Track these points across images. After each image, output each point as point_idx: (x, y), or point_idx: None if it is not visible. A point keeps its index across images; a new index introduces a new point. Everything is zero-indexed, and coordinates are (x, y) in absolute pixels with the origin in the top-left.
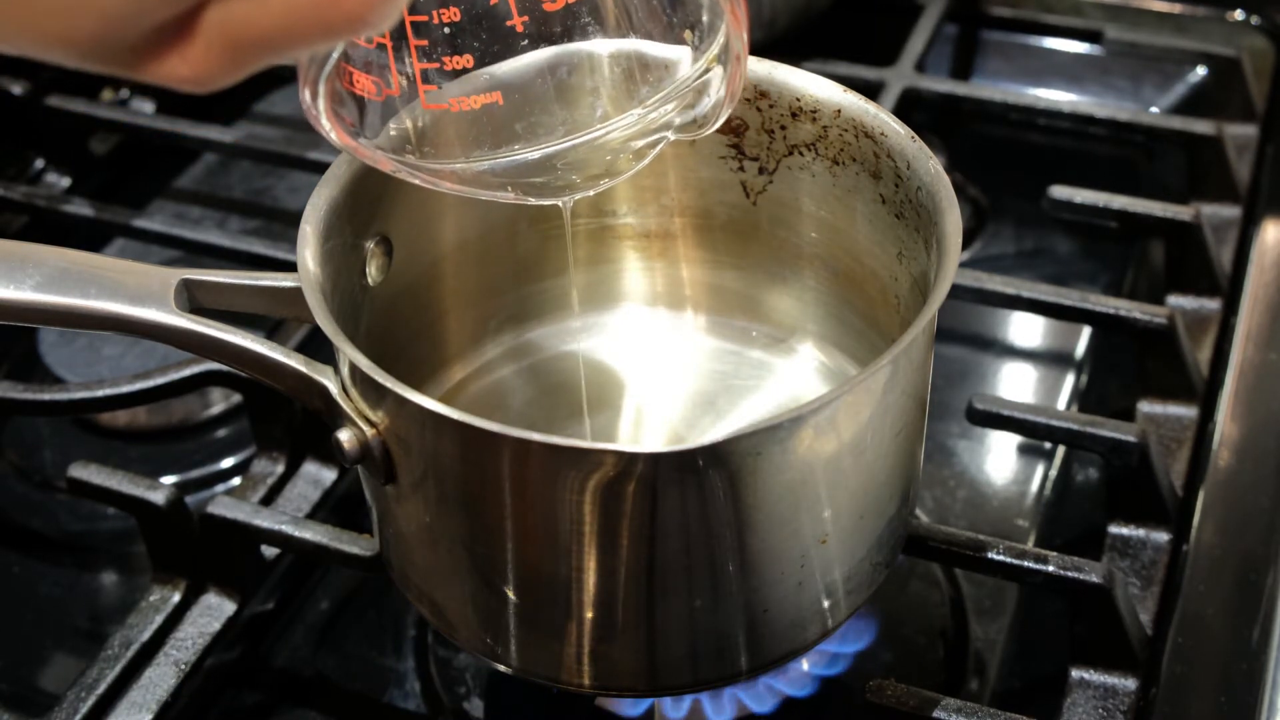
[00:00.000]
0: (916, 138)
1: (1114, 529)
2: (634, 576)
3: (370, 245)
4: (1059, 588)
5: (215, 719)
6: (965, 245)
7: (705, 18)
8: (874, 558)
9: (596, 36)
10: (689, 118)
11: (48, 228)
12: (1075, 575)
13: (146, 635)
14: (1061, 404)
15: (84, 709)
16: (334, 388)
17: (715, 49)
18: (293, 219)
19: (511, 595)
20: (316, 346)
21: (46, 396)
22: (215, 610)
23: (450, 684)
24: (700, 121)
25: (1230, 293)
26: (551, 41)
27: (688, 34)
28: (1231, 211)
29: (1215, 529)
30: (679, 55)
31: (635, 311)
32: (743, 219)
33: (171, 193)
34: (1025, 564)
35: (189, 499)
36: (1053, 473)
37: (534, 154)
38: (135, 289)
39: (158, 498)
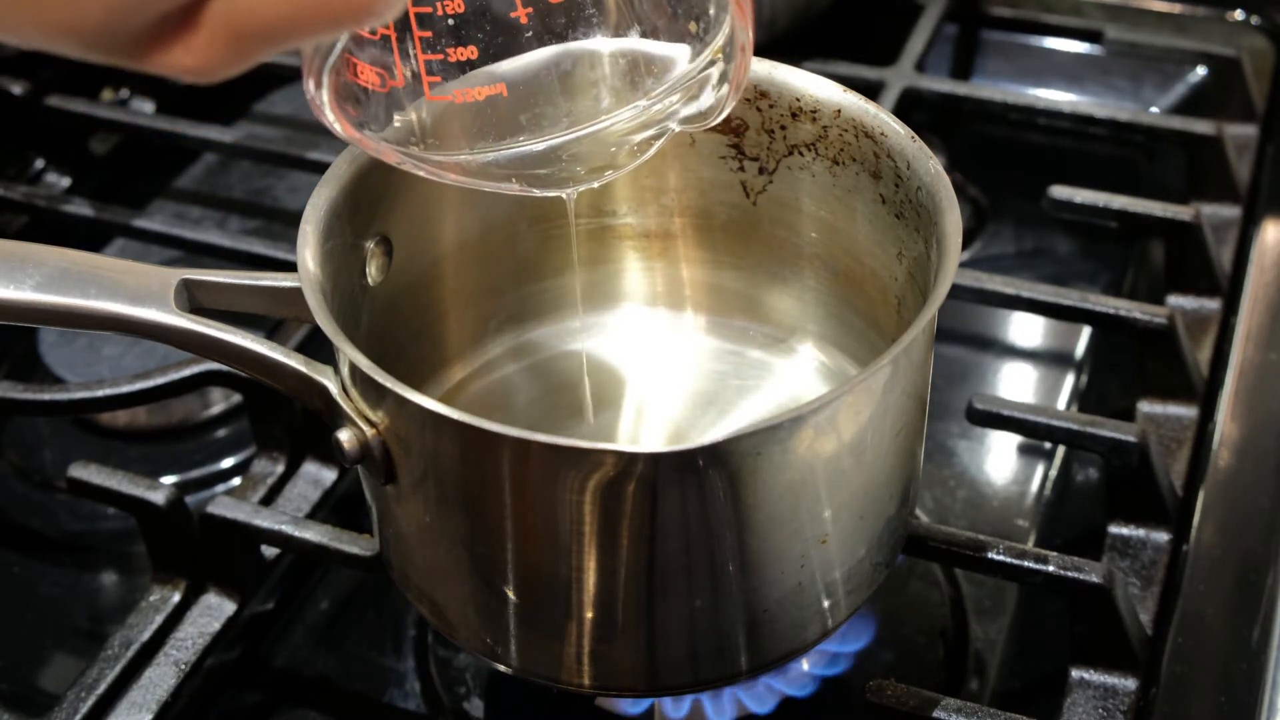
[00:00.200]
0: (916, 138)
1: (1114, 529)
2: (634, 576)
3: (370, 245)
4: (1059, 588)
5: (215, 719)
6: (965, 245)
7: (710, 9)
8: (874, 558)
9: (601, 27)
10: (693, 109)
11: (48, 228)
12: (1075, 575)
13: (146, 635)
14: (1061, 404)
15: (84, 709)
16: (334, 388)
17: (720, 40)
18: (293, 219)
19: (511, 595)
20: (316, 346)
21: (46, 396)
22: (215, 610)
23: (450, 684)
24: (705, 113)
25: (1230, 293)
26: (555, 33)
27: (692, 25)
28: (1231, 211)
29: (1215, 529)
30: (680, 54)
31: (635, 311)
32: (743, 219)
33: (171, 193)
34: (1025, 564)
35: (189, 499)
36: (1053, 473)
37: (538, 146)
38: (135, 289)
39: (158, 498)
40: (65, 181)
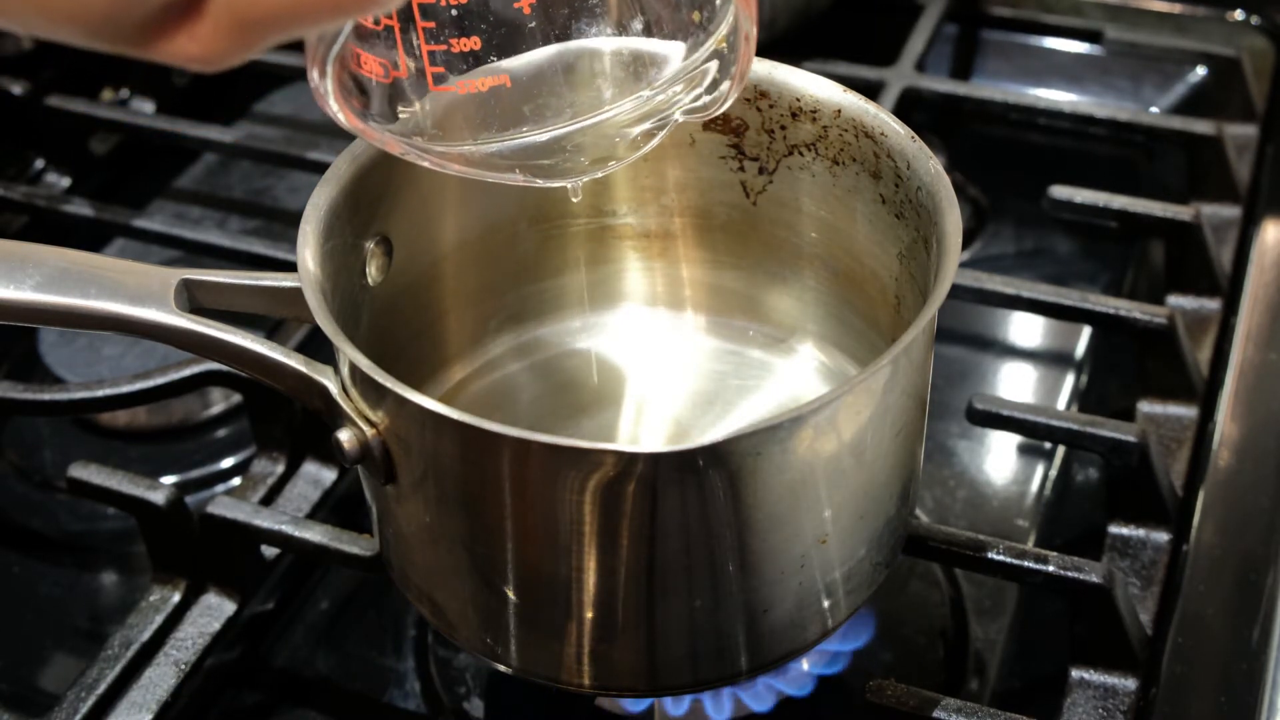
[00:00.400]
0: (916, 138)
1: (1114, 529)
2: (634, 576)
3: (370, 245)
4: (1059, 588)
5: (215, 719)
6: (965, 245)
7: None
8: (874, 558)
9: (604, 18)
10: (696, 100)
11: (48, 228)
12: (1075, 575)
13: (146, 635)
14: (1061, 404)
15: (84, 709)
16: (334, 388)
17: (723, 30)
18: (293, 219)
19: (511, 595)
20: (316, 346)
21: (46, 396)
22: (215, 610)
23: (450, 684)
24: (708, 104)
25: (1230, 293)
26: (559, 24)
27: (695, 15)
28: (1231, 211)
29: (1215, 529)
30: (682, 45)
31: (635, 311)
32: (743, 219)
33: (171, 193)
34: (1025, 564)
35: (189, 499)
36: (1053, 473)
37: (542, 136)
38: (135, 289)
39: (158, 498)
40: (65, 181)
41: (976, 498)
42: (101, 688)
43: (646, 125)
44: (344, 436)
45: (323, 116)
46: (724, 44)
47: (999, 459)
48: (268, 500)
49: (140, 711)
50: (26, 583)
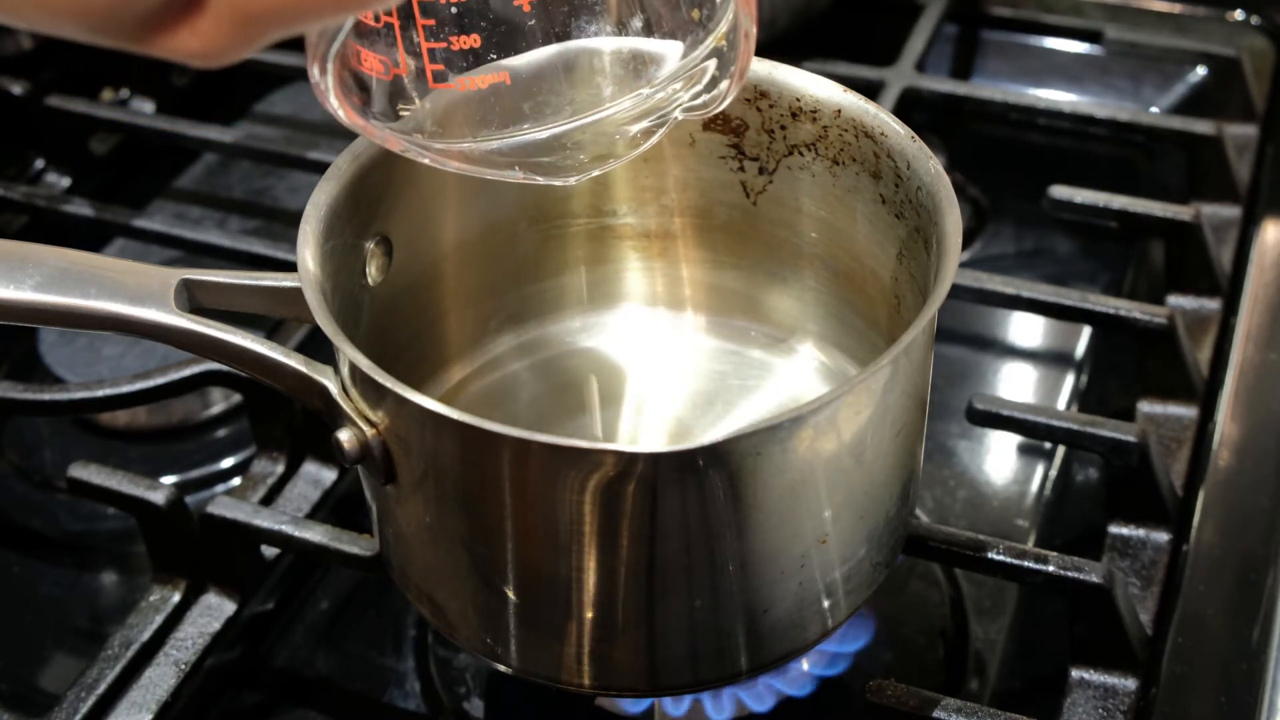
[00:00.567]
0: (916, 138)
1: (1114, 529)
2: (634, 576)
3: (370, 245)
4: (1059, 588)
5: (215, 719)
6: (965, 245)
7: None
8: (874, 558)
9: (604, 15)
10: (696, 98)
11: (48, 228)
12: (1075, 575)
13: (146, 635)
14: (1061, 404)
15: (84, 709)
16: (334, 388)
17: (723, 27)
18: (293, 219)
19: (511, 595)
20: (316, 346)
21: (46, 396)
22: (215, 610)
23: (450, 684)
24: (707, 102)
25: (1230, 293)
26: (559, 21)
27: (695, 13)
28: (1231, 211)
29: (1215, 529)
30: (683, 42)
31: (635, 311)
32: (743, 219)
33: (171, 193)
34: (1025, 564)
35: (189, 499)
36: (1053, 473)
37: (542, 134)
38: (135, 289)
39: (158, 498)
40: (65, 181)
41: (976, 498)
42: (101, 688)
43: (646, 123)
44: (344, 436)
45: (323, 116)
46: (723, 41)
47: (999, 459)
48: (268, 500)
49: (140, 711)
50: (26, 583)
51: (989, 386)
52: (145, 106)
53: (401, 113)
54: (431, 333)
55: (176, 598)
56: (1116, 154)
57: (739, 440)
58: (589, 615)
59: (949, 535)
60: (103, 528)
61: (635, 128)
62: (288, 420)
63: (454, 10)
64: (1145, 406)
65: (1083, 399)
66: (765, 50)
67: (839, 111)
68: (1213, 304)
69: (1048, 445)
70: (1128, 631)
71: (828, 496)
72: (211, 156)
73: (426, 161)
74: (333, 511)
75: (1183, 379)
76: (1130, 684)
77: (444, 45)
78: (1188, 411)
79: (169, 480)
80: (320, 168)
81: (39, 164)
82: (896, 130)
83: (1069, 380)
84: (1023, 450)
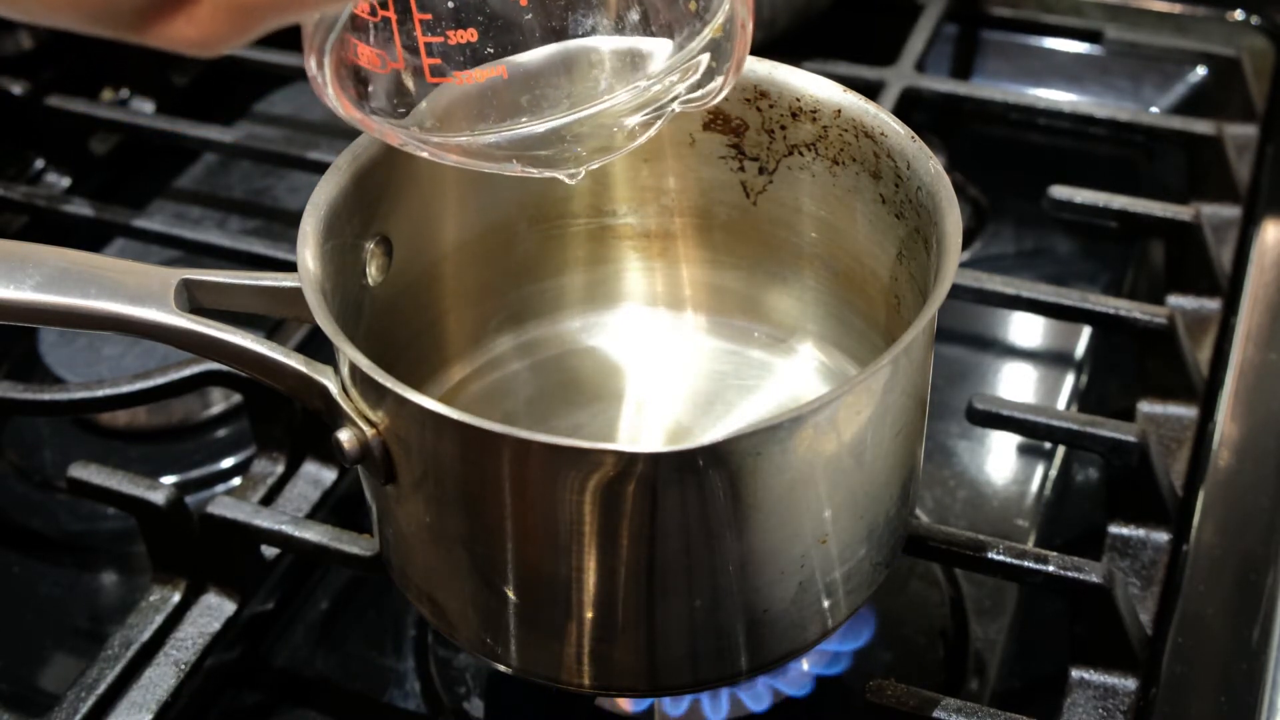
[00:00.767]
0: (916, 138)
1: (1114, 529)
2: (634, 576)
3: (370, 245)
4: (1059, 588)
5: (215, 719)
6: (965, 245)
7: None
8: (874, 558)
9: (600, 7)
10: (693, 89)
11: (48, 228)
12: (1075, 575)
13: (146, 635)
14: (1061, 404)
15: (84, 709)
16: (334, 388)
17: (719, 18)
18: (293, 219)
19: (511, 595)
20: (316, 346)
21: (46, 396)
22: (215, 610)
23: (450, 684)
24: (705, 93)
25: (1230, 293)
26: (555, 14)
27: (692, 3)
28: (1231, 211)
29: (1215, 529)
30: (680, 35)
31: (635, 311)
32: (743, 219)
33: (171, 193)
34: (1025, 564)
35: (189, 499)
36: (1053, 473)
37: (540, 127)
38: (135, 289)
39: (158, 498)
40: (65, 181)
41: (976, 498)
42: (101, 688)
43: (643, 115)
44: (344, 436)
45: (323, 116)
46: (720, 33)
47: (999, 459)
48: (268, 500)
49: (140, 711)
50: (26, 583)
51: (989, 386)
52: (145, 106)
53: (399, 107)
54: (431, 333)
55: (176, 598)
56: (1116, 154)
57: (739, 440)
58: (589, 615)
59: (949, 535)
60: (103, 528)
61: (633, 120)
62: (288, 420)
63: (450, 4)
64: (1145, 406)
65: (1083, 399)
66: (765, 50)
67: (839, 111)
68: (1213, 304)
69: (1048, 445)
70: (1128, 631)
71: (828, 496)
72: (211, 156)
73: (425, 155)
74: (333, 511)
75: (1183, 379)
76: (1130, 684)
77: (441, 40)
78: (1188, 411)
79: (169, 480)
80: (320, 168)
81: (39, 164)
82: (896, 130)
83: (1069, 380)
84: (1023, 450)
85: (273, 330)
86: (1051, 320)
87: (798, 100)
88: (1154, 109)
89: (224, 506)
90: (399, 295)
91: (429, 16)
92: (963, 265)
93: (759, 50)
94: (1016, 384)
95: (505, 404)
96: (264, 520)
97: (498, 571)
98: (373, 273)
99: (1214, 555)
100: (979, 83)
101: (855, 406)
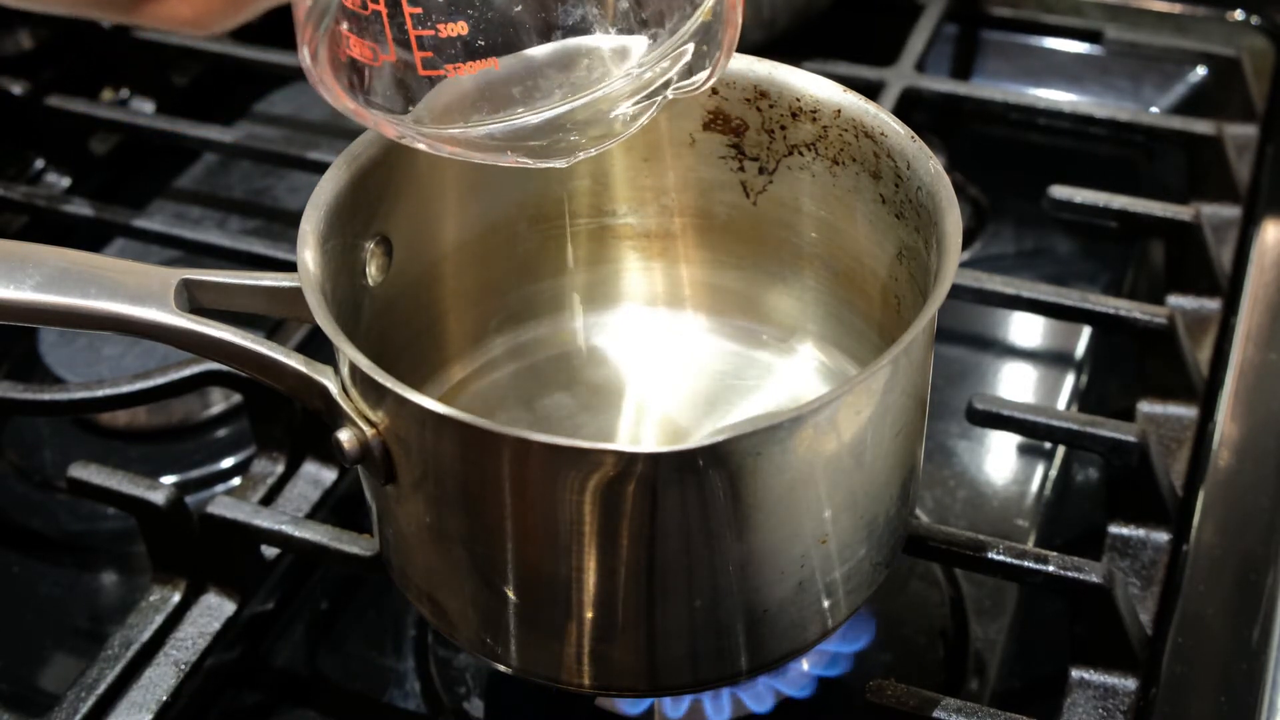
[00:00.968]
0: (916, 138)
1: (1114, 529)
2: (634, 576)
3: (370, 245)
4: (1059, 588)
5: (215, 719)
6: (965, 245)
7: None
8: (874, 558)
9: None
10: (685, 73)
11: (48, 228)
12: (1075, 575)
13: (146, 635)
14: (1061, 404)
15: (84, 709)
16: (334, 388)
17: (709, 1)
18: (293, 219)
19: (511, 595)
20: (316, 346)
21: (46, 396)
22: (215, 610)
23: (450, 684)
24: (698, 78)
25: (1230, 293)
26: (546, 5)
27: None
28: (1231, 211)
29: (1215, 529)
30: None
31: (635, 311)
32: (743, 219)
33: (171, 193)
34: (1025, 564)
35: (189, 499)
36: (1053, 473)
37: (535, 118)
38: (135, 289)
39: (158, 498)
40: (65, 181)
41: (976, 498)
42: (101, 688)
43: (637, 103)
44: (344, 436)
45: (323, 116)
46: (710, 16)
47: (999, 459)
48: (268, 500)
49: (140, 711)
50: (26, 583)
51: (989, 386)
52: (145, 106)
53: (394, 100)
54: (431, 333)
55: (176, 598)
56: (1116, 154)
57: (739, 440)
58: (589, 615)
59: (949, 535)
60: (103, 528)
61: (627, 108)
62: (288, 420)
63: None
64: (1145, 406)
65: (1083, 399)
66: (765, 50)
67: (839, 111)
68: (1213, 304)
69: (1048, 445)
70: (1128, 631)
71: (828, 496)
72: (211, 156)
73: (421, 147)
74: (333, 511)
75: (1183, 379)
76: (1130, 684)
77: (432, 33)
78: (1188, 411)
79: (169, 480)
80: (320, 168)
81: (39, 164)
82: (896, 130)
83: (1069, 380)
84: (1023, 450)
85: (273, 330)
86: (1051, 320)
87: (798, 100)
88: (1154, 109)
89: (224, 506)
90: (399, 295)
91: (419, 10)
92: (963, 265)
93: (759, 50)
94: (1016, 384)
95: (505, 404)
96: (264, 520)
97: (498, 571)
98: (373, 273)
99: (1214, 555)
100: (979, 83)
101: (855, 406)
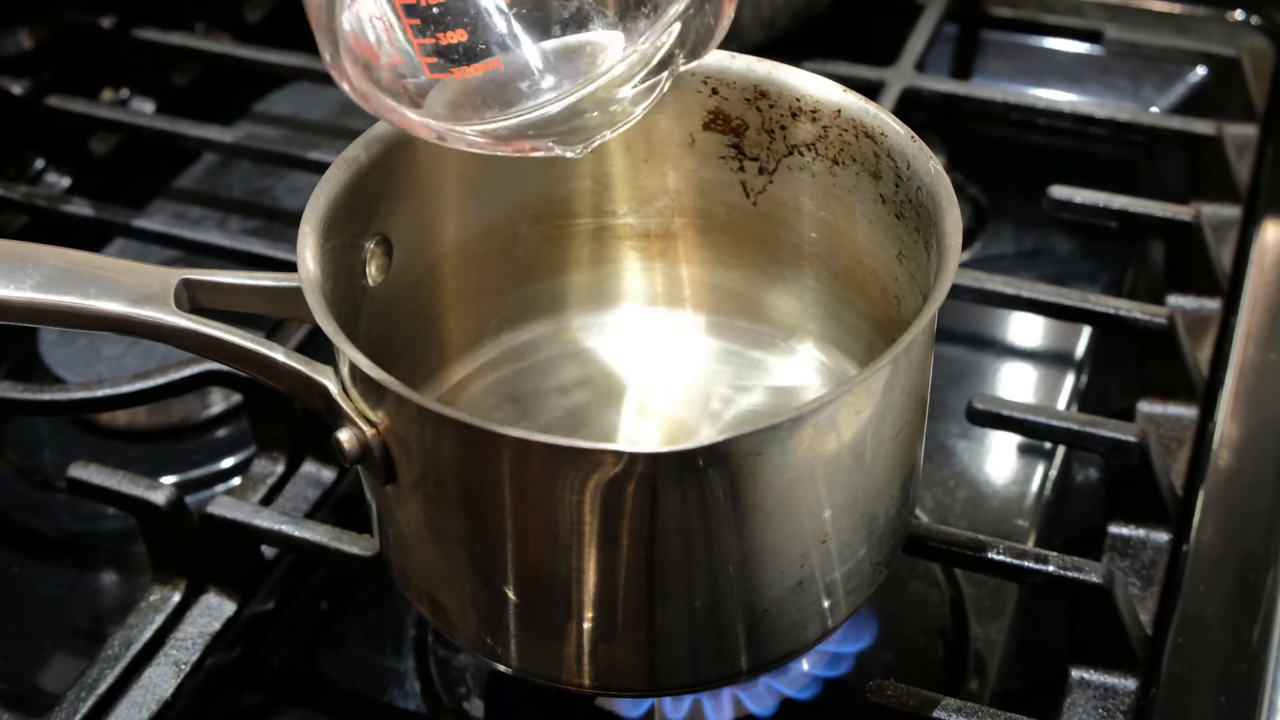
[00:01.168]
0: (916, 138)
1: (1114, 529)
2: (634, 576)
3: (370, 245)
4: (1059, 588)
5: (215, 719)
6: (965, 245)
7: None
8: (874, 558)
9: None
10: (686, 44)
11: (48, 228)
12: (1075, 575)
13: (146, 635)
14: (1061, 404)
15: (84, 709)
16: (334, 388)
17: None
18: (293, 219)
19: (511, 595)
20: (316, 346)
21: (46, 396)
22: (215, 610)
23: (450, 684)
24: (698, 47)
25: (1230, 293)
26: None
27: None
28: (1231, 211)
29: (1215, 529)
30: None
31: (635, 311)
32: (743, 219)
33: (171, 193)
34: (1025, 564)
35: (189, 499)
36: (1053, 473)
37: (554, 108)
38: (135, 289)
39: (158, 498)
40: (65, 181)
41: (976, 498)
42: (101, 688)
43: (644, 81)
44: (344, 436)
45: (323, 116)
46: None
47: (999, 459)
48: (268, 500)
49: (140, 711)
50: (26, 583)
51: (989, 386)
52: (145, 106)
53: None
54: (431, 333)
55: (176, 598)
56: (1116, 154)
57: (739, 440)
58: (589, 615)
59: (949, 535)
60: (103, 528)
61: (635, 88)
62: (288, 420)
63: (435, 10)
64: (1145, 406)
65: (1083, 399)
66: (765, 50)
67: (839, 111)
68: (1213, 304)
69: (1048, 445)
70: (1128, 631)
71: (828, 496)
72: (211, 156)
73: (436, 139)
74: (333, 511)
75: (1183, 379)
76: (1130, 684)
77: (433, 41)
78: (1188, 411)
79: (169, 480)
80: (320, 168)
81: (39, 164)
82: (896, 130)
83: (1069, 380)
84: (1023, 450)
85: (273, 330)
86: (1051, 320)
87: (798, 100)
88: (1154, 109)
89: (224, 506)
90: (399, 295)
91: (417, 22)
92: (963, 265)
93: (759, 50)
94: (1016, 384)
95: (505, 404)
96: (264, 520)
97: (498, 571)
98: (373, 273)
99: (1214, 555)
100: (979, 83)
101: (855, 406)
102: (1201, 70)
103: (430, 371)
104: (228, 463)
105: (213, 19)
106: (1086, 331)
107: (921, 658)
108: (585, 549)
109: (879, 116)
